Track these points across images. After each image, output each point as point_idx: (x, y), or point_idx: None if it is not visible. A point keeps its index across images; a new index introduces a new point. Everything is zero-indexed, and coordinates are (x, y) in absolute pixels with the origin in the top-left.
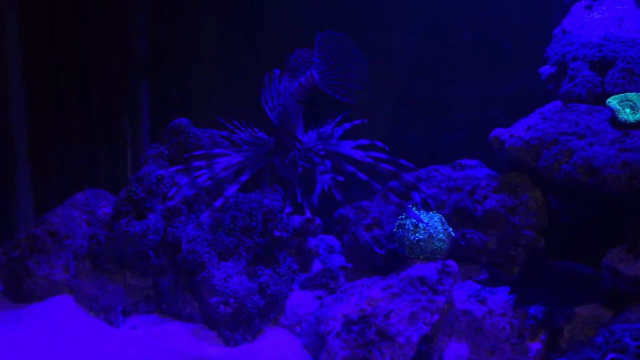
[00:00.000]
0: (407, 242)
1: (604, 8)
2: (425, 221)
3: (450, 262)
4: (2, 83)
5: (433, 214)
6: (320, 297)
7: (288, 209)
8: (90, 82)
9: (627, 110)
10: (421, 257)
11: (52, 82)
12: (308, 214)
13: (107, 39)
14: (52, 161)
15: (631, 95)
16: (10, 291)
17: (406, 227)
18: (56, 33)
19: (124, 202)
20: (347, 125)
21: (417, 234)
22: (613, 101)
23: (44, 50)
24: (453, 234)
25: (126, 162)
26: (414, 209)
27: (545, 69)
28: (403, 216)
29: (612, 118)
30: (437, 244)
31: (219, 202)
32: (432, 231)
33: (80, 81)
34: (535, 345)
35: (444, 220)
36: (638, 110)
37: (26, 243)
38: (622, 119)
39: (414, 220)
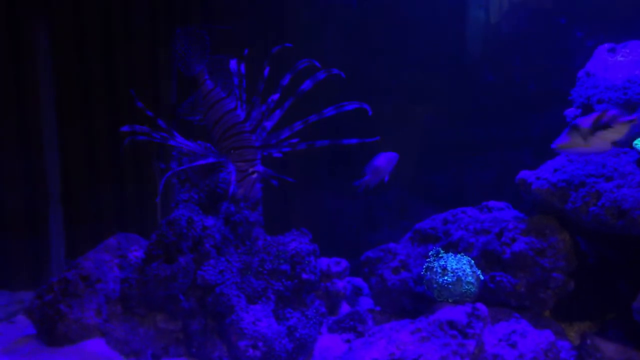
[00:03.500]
0: (436, 285)
1: (628, 51)
2: (454, 265)
3: (480, 305)
4: (36, 129)
5: (461, 257)
6: (348, 341)
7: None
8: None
9: None
10: (450, 300)
11: (84, 127)
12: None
13: (137, 84)
14: (84, 205)
15: None
16: (44, 334)
17: (434, 269)
18: (88, 79)
19: (155, 245)
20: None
21: (446, 277)
22: (639, 143)
23: (76, 97)
24: (482, 277)
25: (156, 206)
26: (442, 252)
27: (571, 112)
28: (431, 259)
29: (639, 160)
30: (466, 287)
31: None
32: (460, 274)
33: (112, 126)
34: None
35: (472, 262)
36: None
37: (59, 287)
38: None
39: (443, 263)
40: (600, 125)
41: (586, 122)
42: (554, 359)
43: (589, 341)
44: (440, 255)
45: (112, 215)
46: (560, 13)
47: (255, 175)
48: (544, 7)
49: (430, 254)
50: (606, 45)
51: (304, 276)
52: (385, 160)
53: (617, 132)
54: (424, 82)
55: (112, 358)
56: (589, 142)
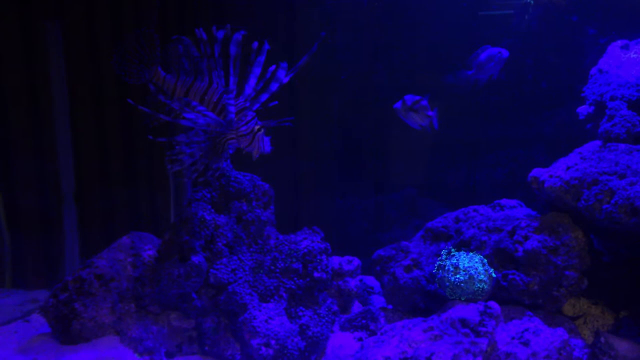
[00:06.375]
0: (448, 284)
1: None
2: (467, 263)
3: (492, 303)
4: (50, 130)
5: (473, 255)
6: (360, 339)
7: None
8: (134, 127)
9: None
10: (462, 298)
11: (97, 127)
12: None
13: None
14: (98, 205)
15: None
16: (59, 333)
17: (446, 268)
18: (100, 80)
19: (168, 244)
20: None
21: (458, 275)
22: None
23: (89, 97)
24: (494, 275)
25: (169, 205)
26: (454, 250)
27: (584, 109)
28: (443, 257)
29: None
30: (478, 285)
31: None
32: (472, 272)
33: (124, 126)
34: None
35: (484, 261)
36: None
37: (74, 286)
38: None
39: (455, 262)
40: (415, 109)
41: (409, 101)
42: (567, 357)
43: (602, 339)
44: (452, 253)
45: (126, 214)
46: (573, 11)
47: (261, 131)
48: (556, 5)
49: (442, 252)
50: (619, 42)
51: (316, 275)
52: (489, 54)
53: (421, 119)
54: (435, 80)
55: (126, 356)
56: (406, 116)
